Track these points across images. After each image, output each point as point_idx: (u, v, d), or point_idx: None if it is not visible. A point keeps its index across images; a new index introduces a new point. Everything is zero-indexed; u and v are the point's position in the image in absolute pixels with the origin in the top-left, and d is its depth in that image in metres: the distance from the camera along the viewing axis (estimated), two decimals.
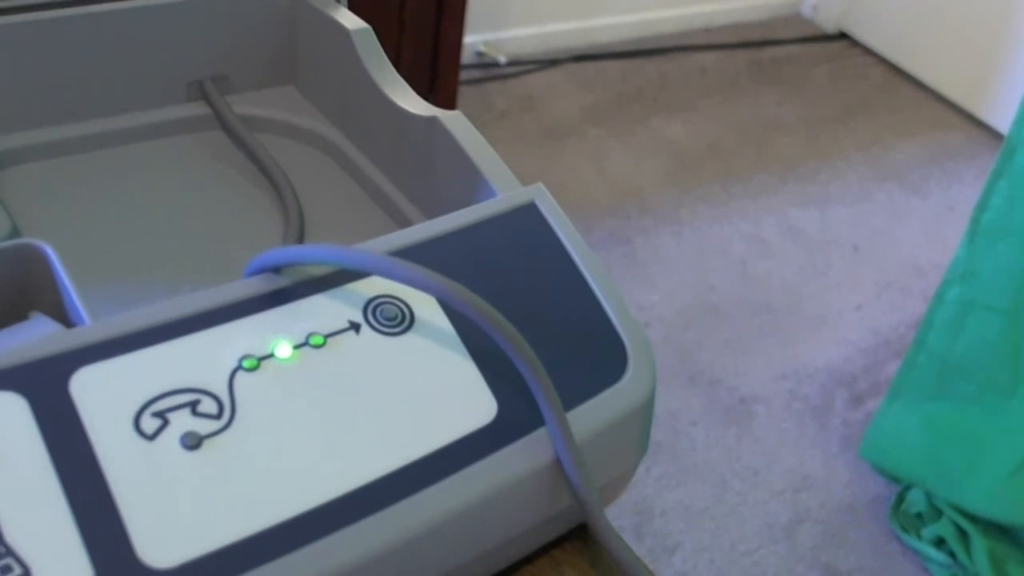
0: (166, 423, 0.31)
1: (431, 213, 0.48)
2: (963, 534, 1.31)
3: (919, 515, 1.36)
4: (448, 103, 1.75)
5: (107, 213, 0.48)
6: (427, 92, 1.73)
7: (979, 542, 1.28)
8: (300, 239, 0.47)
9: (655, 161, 2.03)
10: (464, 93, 2.07)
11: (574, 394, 0.37)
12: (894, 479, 1.41)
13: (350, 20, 0.51)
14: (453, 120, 0.45)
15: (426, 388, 0.35)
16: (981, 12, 2.26)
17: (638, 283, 1.71)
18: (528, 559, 0.39)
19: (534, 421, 0.36)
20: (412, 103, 0.48)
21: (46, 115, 0.50)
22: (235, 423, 0.32)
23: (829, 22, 2.64)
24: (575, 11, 2.35)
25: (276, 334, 0.34)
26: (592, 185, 1.93)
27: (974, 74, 2.29)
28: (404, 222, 0.49)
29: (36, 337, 0.32)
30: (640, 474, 1.38)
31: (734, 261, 1.80)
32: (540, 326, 0.38)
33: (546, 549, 0.39)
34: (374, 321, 0.36)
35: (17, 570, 0.27)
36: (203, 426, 0.32)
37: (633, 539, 1.31)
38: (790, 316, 1.70)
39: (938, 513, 1.34)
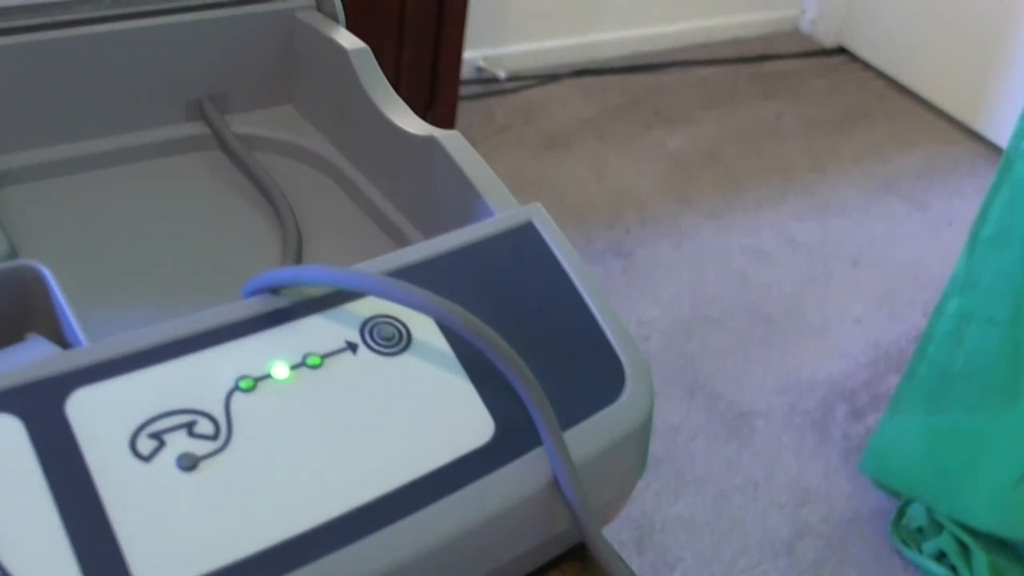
0: (162, 444, 0.31)
1: (429, 233, 0.48)
2: (964, 548, 1.30)
3: (920, 529, 1.35)
4: (448, 118, 1.75)
5: (105, 233, 0.48)
6: (427, 107, 1.73)
7: (980, 556, 1.28)
8: (298, 259, 0.47)
9: (655, 173, 2.03)
10: (464, 108, 2.07)
11: (571, 414, 0.37)
12: (894, 493, 1.41)
13: (348, 40, 0.51)
14: (451, 140, 0.46)
15: (423, 408, 0.35)
16: (979, 26, 2.26)
17: (638, 295, 1.71)
18: None
19: (531, 441, 0.36)
20: (410, 123, 0.48)
21: (44, 135, 0.50)
22: (231, 444, 0.32)
23: (828, 37, 2.65)
24: (574, 26, 2.35)
25: (273, 354, 0.35)
26: (592, 197, 1.93)
27: (972, 87, 2.30)
28: (402, 242, 0.49)
29: (32, 358, 0.32)
30: (640, 489, 1.38)
31: (734, 273, 1.80)
32: (537, 346, 0.38)
33: (543, 569, 0.39)
34: (371, 341, 0.36)
35: None
36: (199, 447, 0.32)
37: (633, 554, 1.30)
38: (790, 328, 1.69)
39: (939, 527, 1.34)
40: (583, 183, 1.96)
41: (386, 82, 0.50)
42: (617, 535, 1.32)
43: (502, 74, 2.22)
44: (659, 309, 1.69)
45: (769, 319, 1.71)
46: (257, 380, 0.34)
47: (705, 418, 1.51)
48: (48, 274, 0.37)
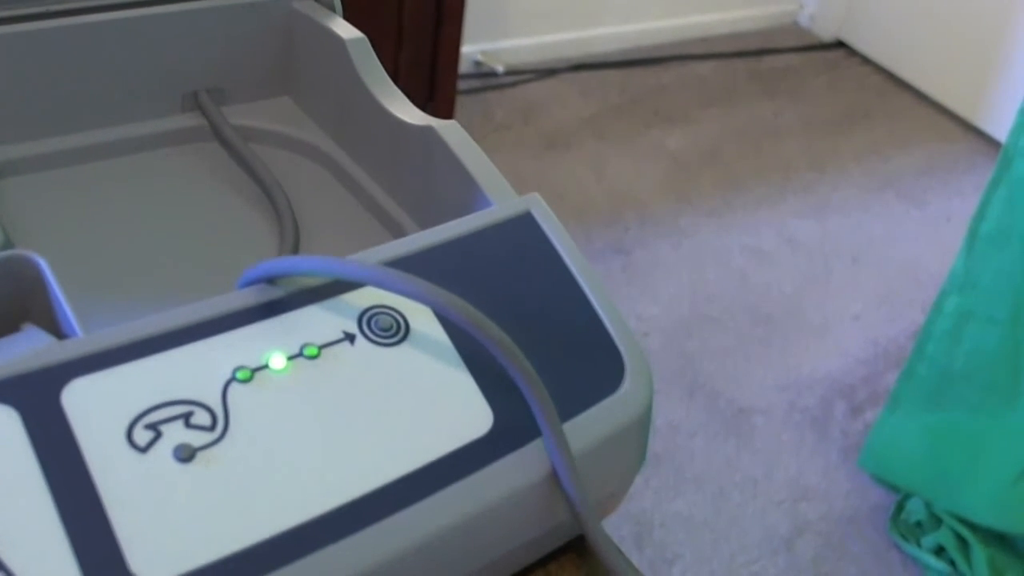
0: (159, 435, 0.31)
1: (426, 223, 0.47)
2: (963, 543, 1.30)
3: (919, 524, 1.35)
4: (447, 113, 1.75)
5: (101, 224, 0.47)
6: (426, 102, 1.73)
7: (979, 551, 1.28)
8: (295, 250, 0.47)
9: (654, 171, 2.03)
10: (462, 103, 2.07)
11: (570, 405, 0.36)
12: (894, 488, 1.41)
13: (345, 30, 0.51)
14: (448, 130, 0.45)
15: (421, 399, 0.35)
16: (979, 21, 2.26)
17: (637, 293, 1.71)
18: (522, 572, 0.39)
19: (530, 432, 0.35)
20: (407, 113, 0.48)
21: (41, 126, 0.50)
22: (228, 435, 0.32)
23: (827, 31, 2.64)
24: (573, 21, 2.35)
25: (270, 345, 0.34)
26: (591, 195, 1.93)
27: (972, 83, 2.29)
28: (399, 232, 0.49)
29: (28, 349, 0.32)
30: (639, 485, 1.38)
31: (733, 271, 1.80)
32: (536, 337, 0.37)
33: (543, 561, 0.39)
34: (369, 332, 0.36)
35: None
36: (196, 438, 0.31)
37: (633, 550, 1.30)
38: (789, 326, 1.69)
39: (938, 522, 1.34)
40: (583, 182, 1.96)
41: (384, 73, 0.50)
42: (616, 531, 1.32)
43: (500, 68, 2.21)
44: (659, 308, 1.69)
45: (768, 317, 1.71)
46: (254, 371, 0.33)
47: (704, 416, 1.51)
48: (44, 265, 0.36)
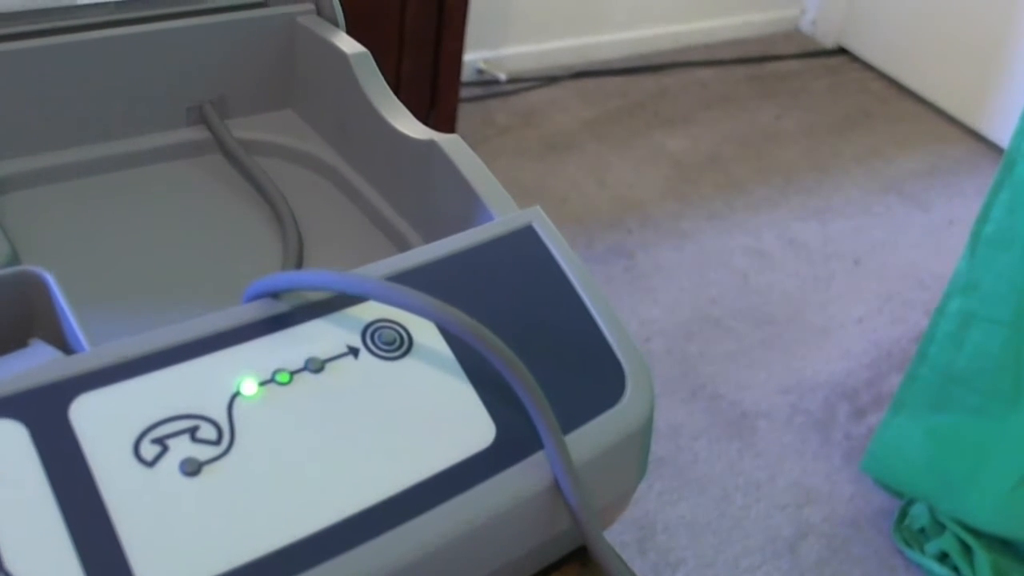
0: (165, 449, 0.32)
1: (429, 236, 0.48)
2: (966, 548, 1.30)
3: (922, 530, 1.35)
4: (449, 121, 1.75)
5: (107, 238, 0.48)
6: (428, 110, 1.73)
7: (982, 556, 1.28)
8: (299, 263, 0.47)
9: (656, 175, 2.03)
10: (465, 110, 2.07)
11: (572, 417, 0.37)
12: (896, 493, 1.41)
13: (348, 44, 0.52)
14: (451, 144, 0.46)
15: (425, 412, 0.35)
16: (980, 25, 2.26)
17: (639, 297, 1.71)
18: None
19: (533, 444, 0.36)
20: (410, 126, 0.48)
21: (46, 140, 0.50)
22: (234, 449, 0.32)
23: (828, 37, 2.65)
24: (575, 28, 2.35)
25: (275, 359, 0.35)
26: (593, 199, 1.93)
27: (973, 87, 2.30)
28: (403, 245, 0.49)
29: (35, 364, 0.32)
30: (642, 489, 1.38)
31: (735, 274, 1.80)
32: (538, 349, 0.38)
33: (544, 571, 0.39)
34: (372, 345, 0.36)
35: None
36: (202, 452, 0.32)
37: (636, 555, 1.30)
38: (792, 329, 1.69)
39: (941, 527, 1.34)
40: (584, 186, 1.96)
41: (386, 86, 0.50)
42: (619, 536, 1.32)
43: (503, 76, 2.22)
44: (661, 311, 1.69)
45: (771, 319, 1.71)
46: (260, 385, 0.34)
47: (707, 419, 1.51)
48: (51, 279, 0.37)
